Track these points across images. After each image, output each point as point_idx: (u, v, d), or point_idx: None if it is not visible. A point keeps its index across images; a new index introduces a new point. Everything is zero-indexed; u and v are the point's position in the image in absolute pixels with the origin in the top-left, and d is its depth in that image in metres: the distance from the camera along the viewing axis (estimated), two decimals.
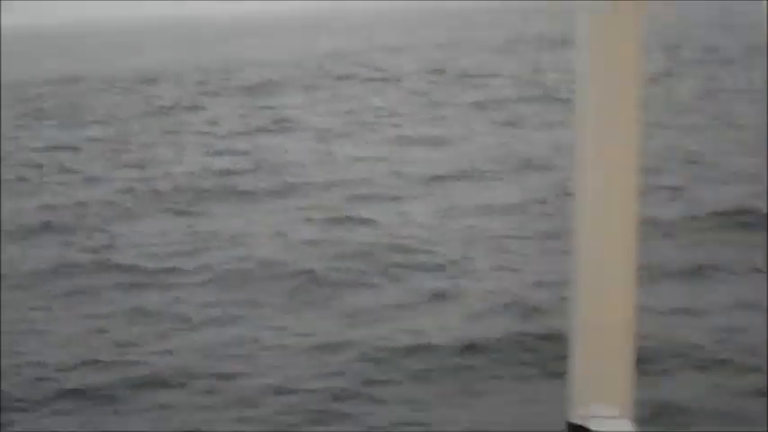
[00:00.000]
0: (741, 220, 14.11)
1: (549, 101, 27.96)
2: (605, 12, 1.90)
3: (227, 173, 20.23)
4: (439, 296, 11.51)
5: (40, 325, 11.29)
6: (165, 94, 37.91)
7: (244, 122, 28.48)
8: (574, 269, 1.98)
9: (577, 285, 1.98)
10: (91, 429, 8.57)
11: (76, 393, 9.27)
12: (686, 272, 12.02)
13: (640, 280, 1.99)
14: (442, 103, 29.88)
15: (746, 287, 11.28)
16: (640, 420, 2.03)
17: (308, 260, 13.22)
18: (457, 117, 26.64)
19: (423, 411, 8.66)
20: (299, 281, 12.41)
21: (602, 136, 1.94)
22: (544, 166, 18.70)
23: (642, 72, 1.98)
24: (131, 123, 30.17)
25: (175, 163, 21.91)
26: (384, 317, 11.00)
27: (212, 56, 63.09)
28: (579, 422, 1.99)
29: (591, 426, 1.98)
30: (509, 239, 13.96)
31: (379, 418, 8.54)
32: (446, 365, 9.57)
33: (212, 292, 12.30)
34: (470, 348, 9.85)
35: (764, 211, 14.11)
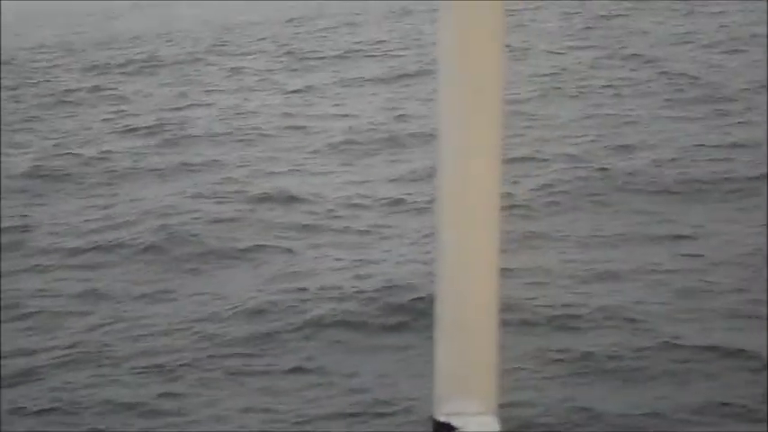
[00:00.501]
0: None
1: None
2: None
3: None
4: None
5: None
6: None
7: None
8: (438, 265, 1.96)
9: (441, 282, 1.97)
10: None
11: None
12: None
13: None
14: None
15: None
16: None
17: None
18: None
19: None
20: None
21: (464, 123, 1.92)
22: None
23: (502, 58, 1.96)
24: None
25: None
26: None
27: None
28: (443, 419, 1.98)
29: (455, 423, 1.97)
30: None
31: None
32: None
33: None
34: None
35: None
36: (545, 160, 16.09)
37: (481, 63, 1.95)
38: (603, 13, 33.79)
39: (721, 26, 28.56)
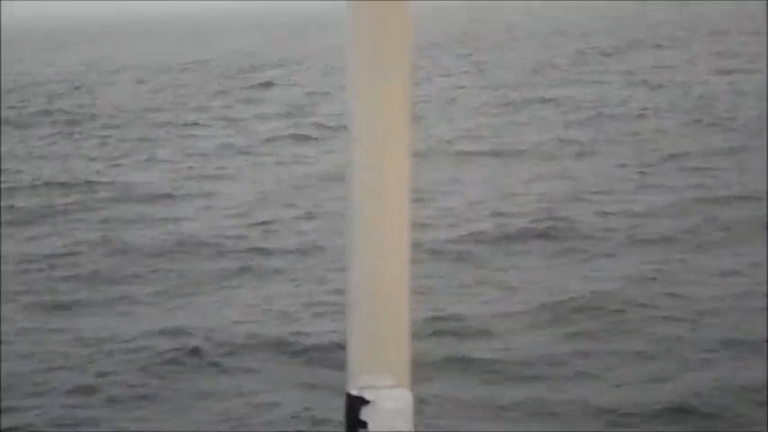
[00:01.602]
0: None
1: None
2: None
3: None
4: None
5: None
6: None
7: None
8: (349, 240, 1.97)
9: (352, 259, 1.97)
10: None
11: None
12: None
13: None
14: None
15: None
16: None
17: None
18: None
19: None
20: None
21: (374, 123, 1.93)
22: None
23: (411, 66, 1.96)
24: None
25: None
26: None
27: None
28: (356, 393, 1.98)
29: (367, 396, 1.97)
30: None
31: None
32: None
33: None
34: None
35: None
36: None
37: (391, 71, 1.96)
38: None
39: None
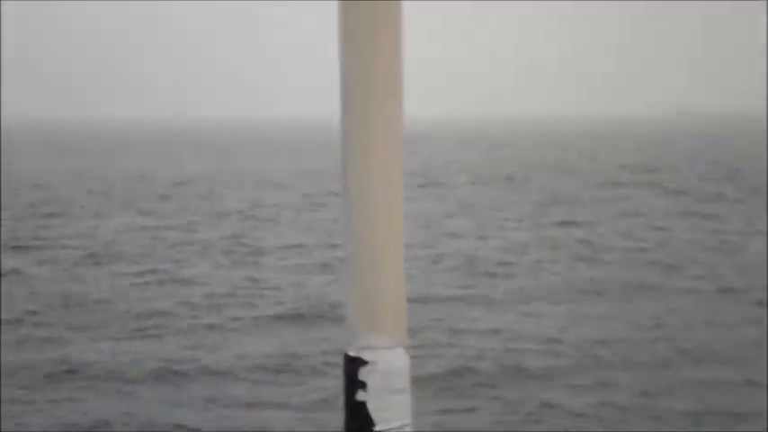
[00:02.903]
0: None
1: None
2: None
3: None
4: None
5: None
6: None
7: None
8: (345, 206, 2.05)
9: (348, 221, 2.04)
10: None
11: None
12: None
13: None
14: None
15: None
16: None
17: None
18: None
19: None
20: None
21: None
22: None
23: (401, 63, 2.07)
24: None
25: None
26: None
27: None
28: (354, 353, 2.03)
29: (366, 357, 2.03)
30: None
31: None
32: None
33: None
34: None
35: None
36: None
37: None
38: None
39: None
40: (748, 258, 25.27)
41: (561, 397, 13.70)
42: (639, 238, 29.68)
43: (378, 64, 1.99)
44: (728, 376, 14.58)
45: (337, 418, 12.43)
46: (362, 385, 2.01)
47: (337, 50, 2.01)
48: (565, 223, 33.32)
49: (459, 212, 37.61)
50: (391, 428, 2.00)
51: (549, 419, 12.85)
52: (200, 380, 14.79)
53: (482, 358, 15.62)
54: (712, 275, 22.91)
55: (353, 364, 2.02)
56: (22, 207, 39.10)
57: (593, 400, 13.49)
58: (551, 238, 29.42)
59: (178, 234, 31.26)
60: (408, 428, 2.02)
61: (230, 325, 18.38)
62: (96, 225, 33.63)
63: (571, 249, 27.13)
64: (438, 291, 21.11)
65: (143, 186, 49.80)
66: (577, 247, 27.71)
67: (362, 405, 2.00)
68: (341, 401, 2.07)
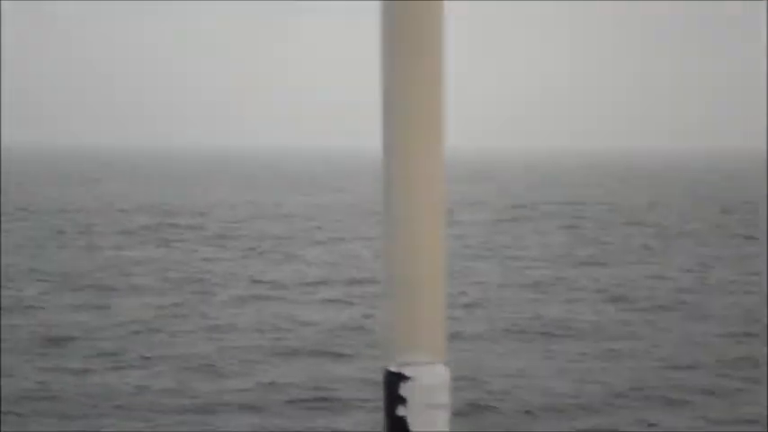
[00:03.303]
0: None
1: None
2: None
3: None
4: None
5: None
6: None
7: None
8: (385, 221, 2.06)
9: (388, 237, 2.06)
10: None
11: None
12: None
13: None
14: None
15: None
16: None
17: None
18: None
19: None
20: None
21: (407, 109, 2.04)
22: None
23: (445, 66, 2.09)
24: None
25: None
26: None
27: None
28: (395, 369, 2.04)
29: (406, 373, 2.04)
30: None
31: None
32: None
33: None
34: None
35: None
36: None
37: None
38: None
39: None
40: None
41: None
42: None
43: (419, 80, 2.02)
44: None
45: None
46: (402, 400, 2.03)
47: (380, 78, 2.04)
48: None
49: None
50: None
51: None
52: None
53: None
54: None
55: (394, 380, 2.03)
56: None
57: None
58: None
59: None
60: None
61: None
62: (117, 255, 33.70)
63: None
64: None
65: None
66: None
67: (403, 420, 2.02)
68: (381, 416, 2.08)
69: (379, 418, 2.09)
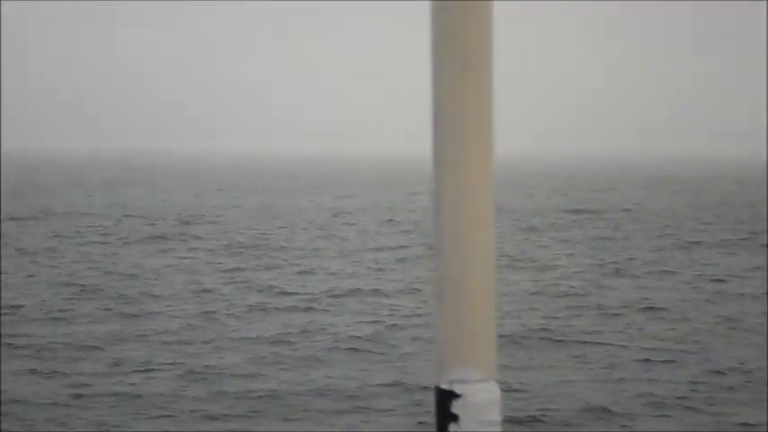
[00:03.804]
0: None
1: None
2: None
3: None
4: None
5: None
6: None
7: None
8: (434, 235, 2.05)
9: (439, 257, 2.04)
10: None
11: None
12: None
13: None
14: None
15: None
16: None
17: None
18: None
19: None
20: None
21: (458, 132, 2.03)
22: None
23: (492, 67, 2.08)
24: None
25: None
26: None
27: None
28: (446, 387, 2.03)
29: (457, 390, 2.03)
30: None
31: None
32: None
33: None
34: None
35: None
36: None
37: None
38: None
39: None
40: None
41: None
42: None
43: (469, 88, 2.01)
44: None
45: None
46: (454, 418, 2.02)
47: (431, 91, 2.03)
48: None
49: None
50: None
51: None
52: None
53: None
54: None
55: (445, 397, 2.02)
56: None
57: None
58: None
59: None
60: None
61: None
62: (138, 264, 33.76)
63: None
64: None
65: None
66: None
67: None
68: None
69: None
